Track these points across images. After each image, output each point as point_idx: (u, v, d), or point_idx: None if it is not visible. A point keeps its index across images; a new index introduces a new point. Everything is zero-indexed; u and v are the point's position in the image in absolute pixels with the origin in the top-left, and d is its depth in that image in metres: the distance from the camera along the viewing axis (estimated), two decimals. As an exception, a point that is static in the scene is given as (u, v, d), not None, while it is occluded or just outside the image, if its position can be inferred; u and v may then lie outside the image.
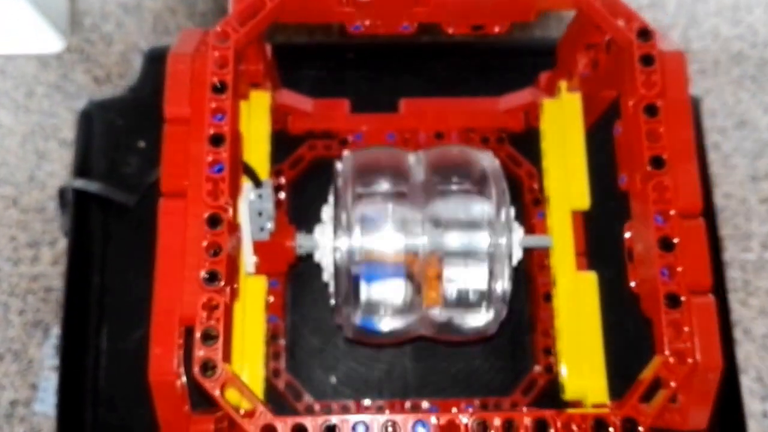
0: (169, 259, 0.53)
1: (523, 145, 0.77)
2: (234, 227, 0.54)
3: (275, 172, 0.75)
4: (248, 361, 0.64)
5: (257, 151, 0.67)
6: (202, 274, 0.51)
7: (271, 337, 0.73)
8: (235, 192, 0.56)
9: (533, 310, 0.74)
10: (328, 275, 0.65)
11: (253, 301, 0.65)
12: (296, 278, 0.76)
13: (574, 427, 0.49)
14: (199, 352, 0.50)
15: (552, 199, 0.67)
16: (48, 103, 1.09)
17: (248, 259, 0.64)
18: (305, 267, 0.73)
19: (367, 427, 0.50)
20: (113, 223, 0.79)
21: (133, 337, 0.76)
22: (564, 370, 0.65)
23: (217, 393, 0.50)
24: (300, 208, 0.76)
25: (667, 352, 0.51)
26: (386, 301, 0.63)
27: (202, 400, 0.54)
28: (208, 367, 0.50)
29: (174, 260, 0.53)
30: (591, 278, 0.66)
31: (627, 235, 0.57)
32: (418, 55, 0.83)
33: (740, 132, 1.07)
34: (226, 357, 0.51)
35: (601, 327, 0.64)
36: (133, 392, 0.75)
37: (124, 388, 0.76)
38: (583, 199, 0.67)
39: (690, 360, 0.50)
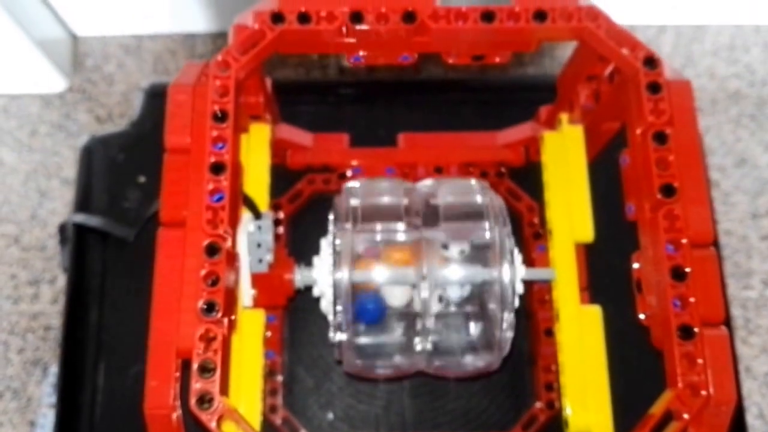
0: (166, 290, 0.51)
1: (523, 180, 0.75)
2: (233, 257, 0.52)
3: (274, 206, 0.73)
4: (245, 396, 0.61)
5: (257, 184, 0.65)
6: (200, 304, 0.48)
7: (269, 373, 0.71)
8: (234, 222, 0.53)
9: (534, 346, 0.72)
10: (326, 307, 0.62)
11: (250, 335, 0.63)
12: (294, 314, 0.74)
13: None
14: (196, 385, 0.48)
15: (555, 231, 0.65)
16: (51, 141, 1.07)
17: (246, 293, 0.62)
18: (303, 302, 0.70)
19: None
20: (112, 258, 0.77)
21: (130, 374, 0.74)
22: (568, 406, 0.62)
23: (213, 426, 0.47)
24: (298, 243, 0.74)
25: (680, 385, 0.48)
26: (386, 333, 0.61)
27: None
28: (204, 399, 0.47)
29: (171, 291, 0.51)
30: (595, 312, 0.63)
31: (635, 266, 0.54)
32: (417, 91, 0.82)
33: (740, 170, 1.06)
34: (224, 390, 0.49)
35: (606, 361, 0.62)
36: (130, 429, 0.73)
37: (121, 425, 0.73)
38: (586, 232, 0.64)
39: (703, 392, 0.48)
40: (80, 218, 0.75)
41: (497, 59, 0.56)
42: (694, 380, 0.48)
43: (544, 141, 0.67)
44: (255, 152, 0.66)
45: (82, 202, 0.77)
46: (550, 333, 0.68)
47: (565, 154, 0.65)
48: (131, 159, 0.78)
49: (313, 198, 0.76)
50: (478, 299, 0.62)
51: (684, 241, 0.49)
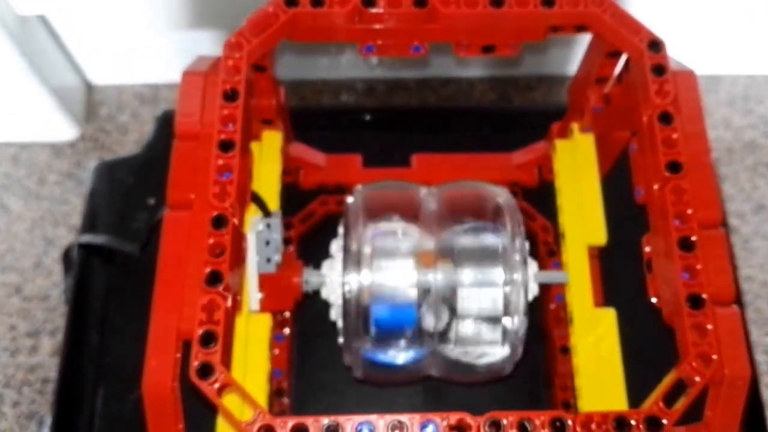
0: (170, 271, 0.52)
1: (536, 200, 0.77)
2: (239, 235, 0.54)
3: (285, 225, 0.75)
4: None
5: (268, 190, 0.67)
6: (205, 271, 0.50)
7: (275, 393, 0.71)
8: (242, 202, 0.55)
9: (550, 365, 0.72)
10: (336, 313, 0.63)
11: (256, 340, 0.63)
12: (300, 337, 0.75)
13: (594, 426, 0.47)
14: (198, 355, 0.48)
15: (567, 235, 0.66)
16: (59, 190, 1.10)
17: (253, 296, 0.63)
18: (310, 326, 0.71)
19: (372, 427, 0.47)
20: (116, 282, 0.78)
21: (130, 399, 0.74)
22: (583, 408, 0.62)
23: (214, 395, 0.48)
24: (309, 263, 0.75)
25: (691, 355, 0.49)
26: (397, 335, 0.61)
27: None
28: (206, 370, 0.48)
29: (175, 272, 0.52)
30: (609, 314, 0.64)
31: (646, 249, 0.56)
32: (431, 118, 0.85)
33: (759, 216, 1.07)
34: (225, 362, 0.49)
35: (621, 362, 0.62)
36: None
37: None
38: (599, 235, 0.66)
39: (714, 356, 0.48)
40: (86, 238, 0.77)
41: (508, 51, 0.59)
42: (705, 350, 0.49)
43: (556, 149, 0.69)
44: (266, 160, 0.68)
45: (89, 224, 0.79)
46: (566, 351, 0.69)
47: (576, 161, 0.68)
48: (141, 182, 0.81)
49: (325, 219, 0.78)
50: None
51: (689, 211, 0.51)
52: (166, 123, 0.84)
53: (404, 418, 0.47)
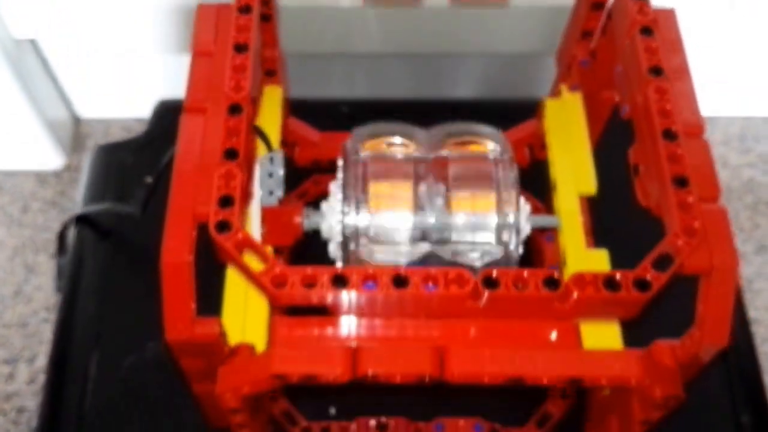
0: (186, 162, 0.62)
1: (528, 180, 0.87)
2: (252, 121, 0.64)
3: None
4: (250, 331, 0.70)
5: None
6: (223, 148, 0.60)
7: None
8: (256, 96, 0.66)
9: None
10: (334, 249, 0.73)
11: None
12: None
13: (585, 285, 0.56)
14: (217, 214, 0.58)
15: (559, 184, 0.77)
16: (43, 218, 1.20)
17: (256, 230, 0.73)
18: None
19: (376, 281, 0.56)
20: (112, 255, 0.88)
21: (124, 365, 0.83)
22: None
23: (232, 248, 0.57)
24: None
25: (677, 227, 0.58)
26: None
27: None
28: (224, 226, 0.58)
29: (190, 163, 0.62)
30: (602, 255, 0.74)
31: (632, 158, 0.66)
32: (423, 108, 0.96)
33: (761, 257, 1.18)
34: (240, 224, 0.59)
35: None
36: (119, 421, 0.81)
37: (111, 417, 0.81)
38: (589, 184, 0.77)
39: (696, 224, 0.58)
40: (86, 209, 0.87)
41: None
42: (692, 224, 0.58)
43: (546, 107, 0.81)
44: (267, 113, 0.79)
45: (88, 199, 0.90)
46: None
47: (566, 116, 0.79)
48: (140, 162, 0.92)
49: (318, 199, 0.88)
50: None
51: (671, 107, 0.62)
52: (162, 112, 0.95)
53: (407, 273, 0.56)
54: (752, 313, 1.14)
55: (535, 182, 0.85)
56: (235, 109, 0.62)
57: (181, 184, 0.62)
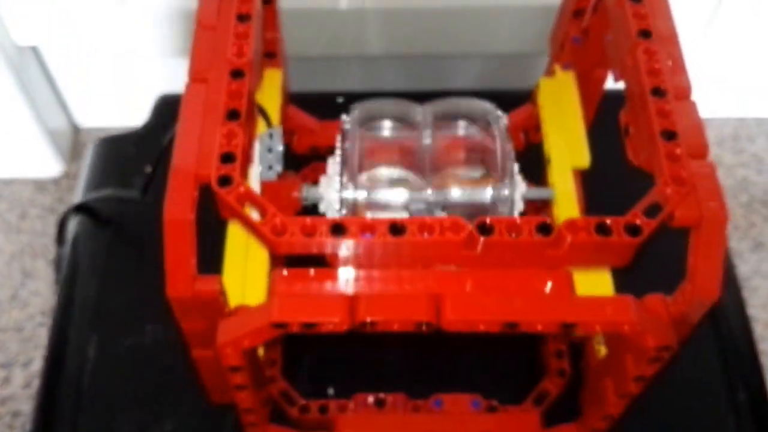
0: (189, 125, 0.65)
1: (523, 164, 0.90)
2: (254, 86, 0.67)
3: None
4: (250, 293, 0.72)
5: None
6: (225, 109, 0.63)
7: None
8: (257, 65, 0.68)
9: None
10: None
11: (257, 246, 0.75)
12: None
13: (577, 230, 0.58)
14: (219, 169, 0.60)
15: (553, 158, 0.80)
16: (41, 224, 1.23)
17: (256, 203, 0.75)
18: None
19: (374, 231, 0.59)
20: (112, 240, 0.90)
21: (124, 345, 0.85)
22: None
23: (234, 202, 0.59)
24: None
25: (666, 176, 0.60)
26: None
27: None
28: (226, 180, 0.60)
29: (193, 126, 0.65)
30: (596, 224, 0.76)
31: (622, 120, 0.69)
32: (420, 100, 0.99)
33: (757, 255, 1.20)
34: (242, 179, 0.61)
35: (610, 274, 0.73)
36: (119, 399, 0.83)
37: (110, 395, 0.83)
38: (583, 157, 0.79)
39: (685, 174, 0.60)
40: (87, 196, 0.90)
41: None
42: (681, 174, 0.61)
43: (540, 86, 0.84)
44: (268, 93, 0.82)
45: (90, 188, 0.92)
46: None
47: (559, 93, 0.82)
48: (141, 152, 0.94)
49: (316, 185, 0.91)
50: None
51: (659, 66, 0.65)
52: (163, 106, 0.98)
53: (404, 222, 0.59)
54: (749, 311, 1.15)
55: (530, 165, 0.87)
56: (237, 74, 0.65)
57: (183, 145, 0.64)
